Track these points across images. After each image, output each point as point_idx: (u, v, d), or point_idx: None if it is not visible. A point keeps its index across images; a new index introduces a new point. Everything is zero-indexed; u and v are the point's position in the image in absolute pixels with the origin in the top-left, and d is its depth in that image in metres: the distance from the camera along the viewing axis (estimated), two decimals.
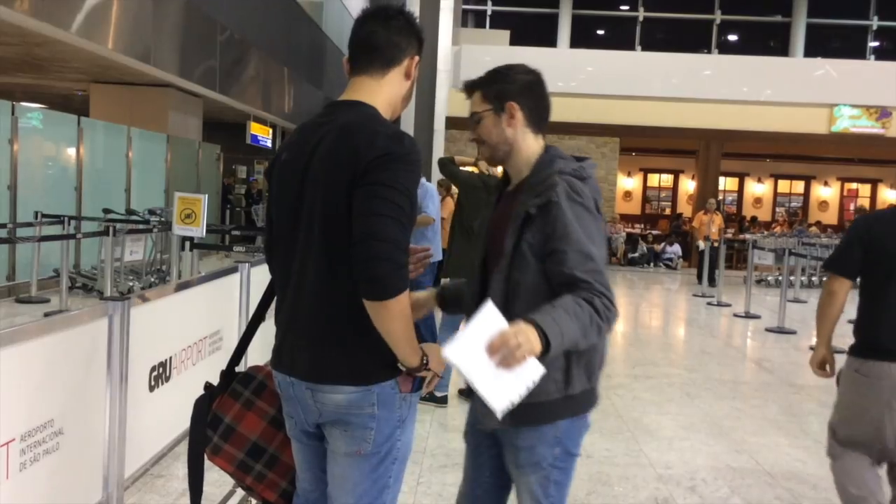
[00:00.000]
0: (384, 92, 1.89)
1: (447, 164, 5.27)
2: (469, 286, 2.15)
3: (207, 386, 2.13)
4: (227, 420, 2.06)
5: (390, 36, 1.88)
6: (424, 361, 1.80)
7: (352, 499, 1.85)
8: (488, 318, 1.72)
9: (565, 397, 1.95)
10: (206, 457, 2.07)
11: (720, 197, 20.47)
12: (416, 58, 1.94)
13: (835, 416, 3.02)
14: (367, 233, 1.66)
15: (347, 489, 1.85)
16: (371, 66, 1.88)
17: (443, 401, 5.06)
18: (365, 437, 1.80)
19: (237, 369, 2.18)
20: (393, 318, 1.69)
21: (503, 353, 1.66)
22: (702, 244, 12.81)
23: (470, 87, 2.09)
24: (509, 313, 1.78)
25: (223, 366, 2.20)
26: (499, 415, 1.75)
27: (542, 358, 1.72)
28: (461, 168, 5.31)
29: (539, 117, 2.06)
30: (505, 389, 1.71)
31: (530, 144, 2.05)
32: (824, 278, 2.96)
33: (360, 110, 1.84)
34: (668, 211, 23.46)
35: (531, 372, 1.71)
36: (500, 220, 2.06)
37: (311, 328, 1.81)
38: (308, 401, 1.84)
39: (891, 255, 2.81)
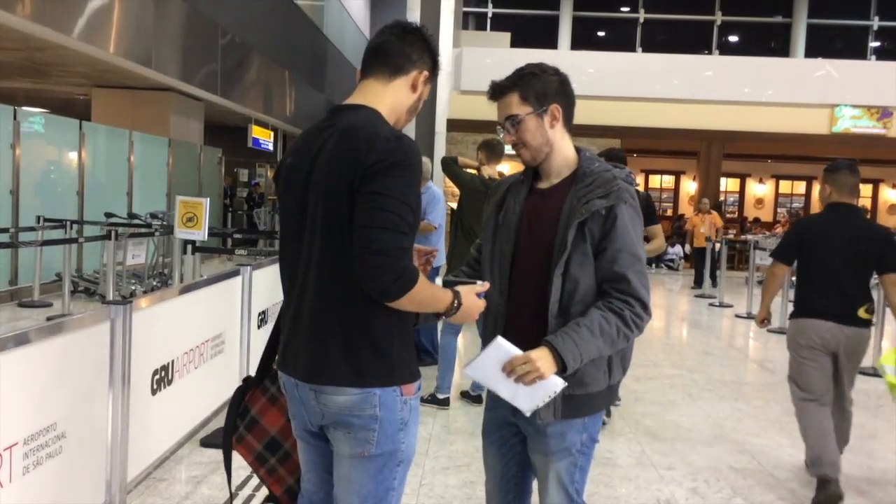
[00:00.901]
0: (389, 97, 1.91)
1: (450, 165, 5.26)
2: (494, 281, 2.12)
3: (246, 378, 2.18)
4: (253, 412, 2.11)
5: (402, 47, 1.92)
6: (455, 304, 1.87)
7: (357, 500, 1.86)
8: (500, 348, 1.95)
9: (608, 387, 2.09)
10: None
11: (721, 198, 20.45)
12: (426, 73, 1.95)
13: (790, 371, 4.17)
14: (366, 247, 1.69)
15: (353, 491, 1.87)
16: (379, 71, 1.92)
17: (445, 403, 5.06)
18: (368, 439, 1.82)
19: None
20: (409, 304, 1.76)
21: (520, 376, 1.91)
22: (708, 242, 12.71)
23: (502, 89, 2.11)
24: (567, 314, 1.97)
25: (225, 369, 2.22)
26: (527, 414, 1.97)
27: (562, 374, 1.91)
28: (464, 170, 5.30)
29: (571, 118, 2.14)
30: (528, 397, 1.95)
31: (567, 145, 2.12)
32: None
33: (361, 112, 1.86)
34: (669, 212, 23.45)
35: (551, 385, 1.93)
36: (540, 215, 2.08)
37: (314, 331, 1.83)
38: (311, 402, 1.85)
39: (813, 247, 3.96)
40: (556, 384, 1.93)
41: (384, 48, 1.92)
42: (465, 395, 5.21)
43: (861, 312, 3.89)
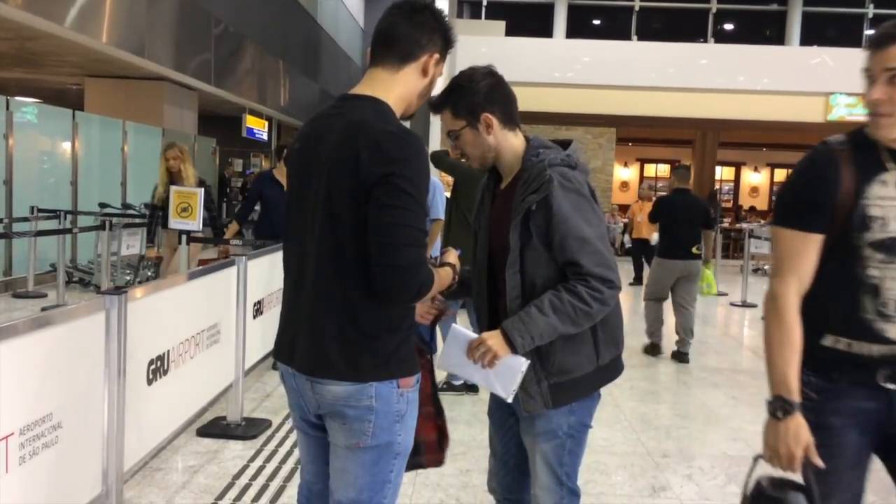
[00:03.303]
0: (398, 87, 1.86)
1: (442, 158, 5.28)
2: (474, 283, 2.24)
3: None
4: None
5: (411, 31, 1.84)
6: (455, 278, 2.02)
7: (353, 492, 1.85)
8: (457, 336, 2.07)
9: (597, 368, 2.11)
10: None
11: (717, 186, 20.47)
12: (436, 56, 1.90)
13: (647, 286, 6.88)
14: (390, 265, 1.69)
15: (349, 482, 1.85)
16: (387, 59, 1.85)
17: (461, 389, 5.09)
18: (363, 430, 1.80)
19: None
20: (420, 299, 1.81)
21: (478, 359, 2.02)
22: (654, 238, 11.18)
23: (437, 106, 2.15)
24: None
25: (221, 359, 2.26)
26: (508, 400, 2.05)
27: (521, 352, 2.00)
28: (460, 159, 5.28)
29: (511, 115, 2.14)
30: (502, 382, 2.03)
31: (512, 142, 2.15)
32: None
33: (369, 105, 1.80)
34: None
35: (516, 364, 2.01)
36: (500, 217, 2.13)
37: (311, 322, 1.82)
38: (308, 392, 1.86)
39: (668, 214, 6.67)
40: (519, 363, 2.01)
41: (392, 33, 1.85)
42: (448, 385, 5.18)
43: (693, 250, 6.51)
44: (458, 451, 4.06)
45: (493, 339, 2.01)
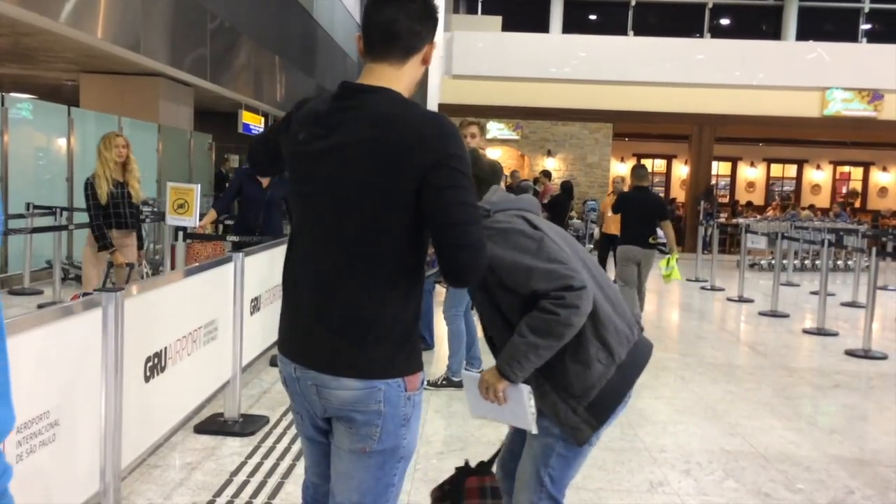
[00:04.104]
0: (404, 80, 1.85)
1: None
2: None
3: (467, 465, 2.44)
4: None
5: (411, 24, 1.81)
6: None
7: (356, 496, 1.83)
8: (469, 381, 2.21)
9: (619, 367, 2.14)
10: None
11: (713, 182, 20.47)
12: (434, 43, 1.91)
13: (616, 271, 7.61)
14: (464, 244, 1.70)
15: (352, 486, 1.84)
16: (391, 55, 1.82)
17: (460, 385, 5.11)
18: (370, 435, 1.78)
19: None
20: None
21: (490, 398, 2.13)
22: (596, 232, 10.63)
23: None
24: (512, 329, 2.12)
25: (218, 356, 2.24)
26: (533, 430, 2.15)
27: (516, 380, 2.08)
28: None
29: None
30: (519, 414, 2.14)
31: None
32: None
33: (393, 97, 1.79)
34: (661, 196, 23.48)
35: (519, 393, 2.10)
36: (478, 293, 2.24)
37: (324, 318, 1.78)
38: (312, 396, 1.83)
39: (627, 208, 7.60)
40: (521, 390, 2.10)
41: (392, 29, 1.80)
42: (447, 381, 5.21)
43: (651, 240, 7.29)
44: (457, 447, 4.06)
45: (488, 374, 2.13)
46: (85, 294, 3.27)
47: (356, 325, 1.75)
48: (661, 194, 23.51)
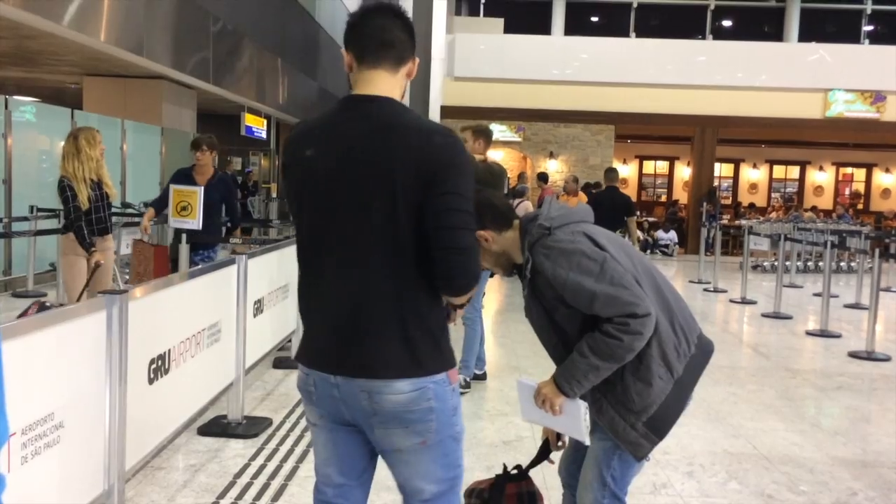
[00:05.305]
0: (397, 88, 1.91)
1: None
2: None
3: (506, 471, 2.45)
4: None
5: (400, 34, 1.89)
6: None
7: (434, 486, 1.91)
8: (523, 388, 2.27)
9: (677, 383, 2.19)
10: None
11: (716, 183, 20.47)
12: (416, 59, 1.97)
13: None
14: (452, 247, 1.77)
15: (428, 479, 1.91)
16: (386, 62, 1.88)
17: (482, 377, 5.35)
18: (427, 429, 1.85)
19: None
20: (464, 297, 1.90)
21: (545, 408, 2.19)
22: None
23: None
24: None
25: (222, 358, 2.25)
26: (586, 442, 2.21)
27: (572, 395, 2.14)
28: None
29: (501, 219, 2.25)
30: (574, 426, 2.19)
31: (512, 238, 2.25)
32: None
33: (397, 106, 1.86)
34: (663, 198, 23.47)
35: (576, 408, 2.16)
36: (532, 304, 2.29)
37: (369, 323, 1.81)
38: (362, 402, 1.83)
39: (598, 207, 6.52)
40: (578, 406, 2.15)
41: (387, 37, 1.87)
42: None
43: (617, 232, 6.88)
44: (470, 445, 4.06)
45: (547, 387, 2.19)
46: (43, 307, 3.21)
47: (398, 330, 1.80)
48: (663, 197, 23.62)
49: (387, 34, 1.87)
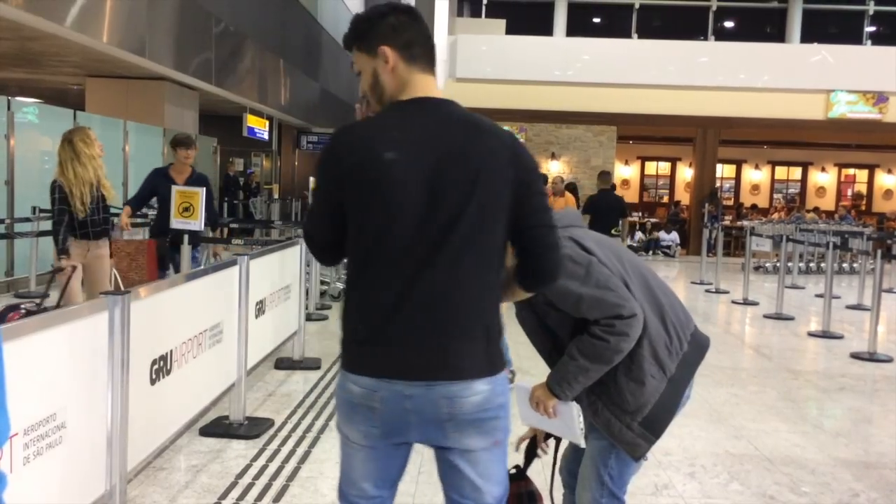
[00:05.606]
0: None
1: None
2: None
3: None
4: None
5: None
6: None
7: (498, 488, 1.89)
8: (520, 391, 2.29)
9: (669, 381, 2.20)
10: None
11: (718, 184, 20.46)
12: None
13: None
14: (553, 244, 1.86)
15: (496, 481, 1.88)
16: (433, 66, 1.91)
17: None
18: (498, 427, 1.85)
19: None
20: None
21: (539, 411, 2.22)
22: None
23: None
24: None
25: (223, 358, 2.24)
26: (582, 444, 2.23)
27: (563, 398, 2.16)
28: None
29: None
30: (568, 428, 2.21)
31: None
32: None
33: (462, 109, 1.87)
34: (665, 199, 23.47)
35: (569, 410, 2.18)
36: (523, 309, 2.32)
37: (455, 326, 1.78)
38: (441, 409, 1.78)
39: (595, 209, 9.17)
40: (571, 408, 2.17)
41: (431, 43, 1.90)
42: None
43: (613, 232, 8.64)
44: None
45: (539, 390, 2.21)
46: (31, 312, 3.20)
47: (481, 331, 1.81)
48: (665, 198, 23.64)
49: (431, 39, 1.90)
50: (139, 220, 7.93)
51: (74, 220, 5.03)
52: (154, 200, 6.46)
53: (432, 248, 1.76)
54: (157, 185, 6.10)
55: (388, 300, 1.77)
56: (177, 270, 5.98)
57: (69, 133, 5.15)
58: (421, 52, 1.86)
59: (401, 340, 1.78)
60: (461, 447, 1.84)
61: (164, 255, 5.98)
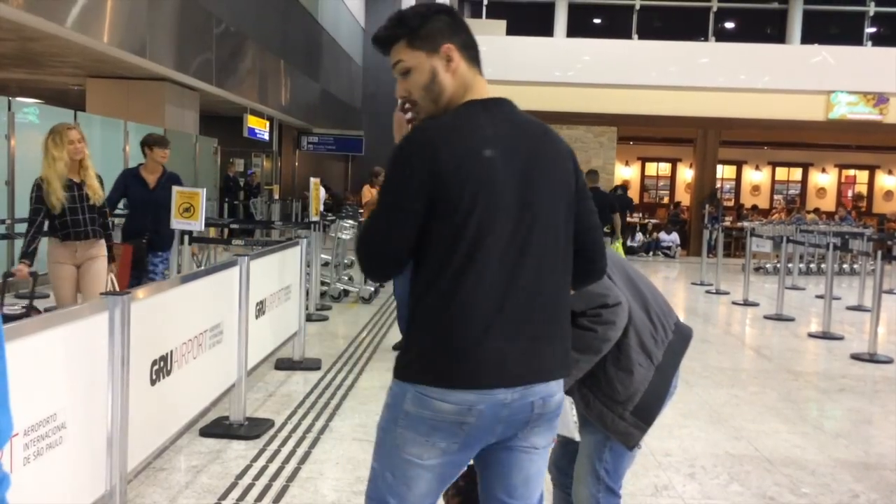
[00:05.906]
0: None
1: None
2: None
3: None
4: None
5: None
6: None
7: (540, 488, 1.91)
8: None
9: (657, 369, 2.23)
10: None
11: (718, 185, 20.46)
12: None
13: None
14: (599, 246, 1.91)
15: (537, 476, 1.89)
16: (482, 70, 1.91)
17: None
18: (556, 426, 1.89)
19: None
20: None
21: None
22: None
23: None
24: None
25: (224, 359, 2.23)
26: (576, 438, 2.24)
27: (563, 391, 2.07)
28: None
29: None
30: (564, 421, 2.13)
31: None
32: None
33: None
34: (665, 200, 23.47)
35: (563, 402, 2.07)
36: None
37: (555, 327, 1.80)
38: (534, 409, 1.75)
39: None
40: (563, 400, 2.15)
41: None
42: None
43: (605, 230, 6.37)
44: None
45: None
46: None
47: (565, 330, 1.85)
48: (665, 199, 23.64)
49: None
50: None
51: (55, 220, 4.87)
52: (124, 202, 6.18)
53: (522, 250, 1.72)
54: (128, 185, 5.92)
55: (489, 306, 1.67)
56: (151, 276, 5.83)
57: (50, 129, 4.95)
58: (476, 54, 1.85)
59: (500, 347, 1.68)
60: (527, 444, 1.80)
61: (143, 258, 5.82)
